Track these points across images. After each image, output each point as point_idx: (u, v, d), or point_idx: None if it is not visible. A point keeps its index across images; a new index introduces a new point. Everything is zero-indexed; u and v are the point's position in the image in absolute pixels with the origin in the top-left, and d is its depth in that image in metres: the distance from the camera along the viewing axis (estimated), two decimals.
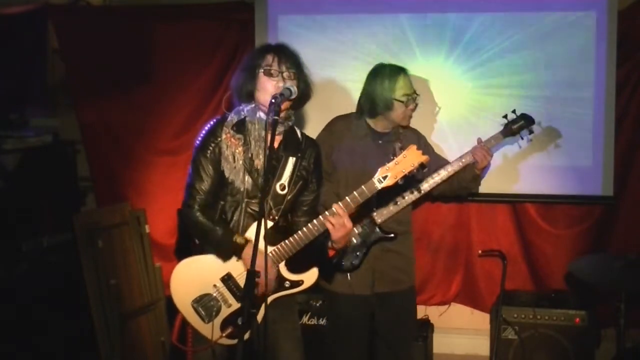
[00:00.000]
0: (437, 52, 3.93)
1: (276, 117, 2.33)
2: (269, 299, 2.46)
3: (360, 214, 3.09)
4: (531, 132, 3.29)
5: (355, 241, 3.09)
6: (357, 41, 3.98)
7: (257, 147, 2.51)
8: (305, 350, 2.71)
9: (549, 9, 3.81)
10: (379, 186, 2.44)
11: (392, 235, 3.10)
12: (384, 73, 3.06)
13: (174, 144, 4.34)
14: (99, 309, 3.62)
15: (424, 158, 2.42)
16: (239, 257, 2.51)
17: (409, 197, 3.11)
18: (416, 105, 3.11)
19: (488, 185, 3.90)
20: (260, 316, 2.46)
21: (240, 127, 2.54)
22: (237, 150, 2.51)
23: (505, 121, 3.24)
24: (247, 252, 2.46)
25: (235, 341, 2.51)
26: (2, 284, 3.54)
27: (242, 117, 2.55)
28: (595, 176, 3.84)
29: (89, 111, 4.40)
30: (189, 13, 4.30)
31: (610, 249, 3.92)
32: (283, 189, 2.55)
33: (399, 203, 3.10)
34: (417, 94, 3.10)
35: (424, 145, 3.27)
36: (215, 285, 2.54)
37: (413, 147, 2.43)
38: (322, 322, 3.77)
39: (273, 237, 2.47)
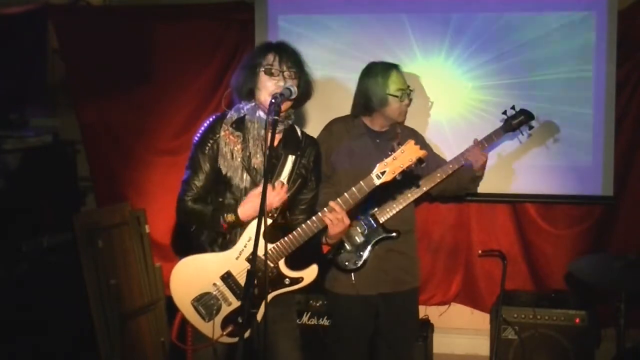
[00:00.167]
0: (438, 52, 3.93)
1: (276, 117, 2.33)
2: (269, 297, 2.46)
3: (363, 213, 3.09)
4: (531, 127, 3.29)
5: (358, 240, 3.09)
6: (357, 41, 3.98)
7: (255, 146, 2.51)
8: (305, 350, 2.71)
9: (549, 9, 3.81)
10: (378, 182, 2.44)
11: (395, 233, 3.10)
12: (377, 70, 3.08)
13: (174, 144, 4.34)
14: (99, 309, 3.62)
15: (422, 153, 2.41)
16: (236, 228, 2.50)
17: (409, 194, 3.11)
18: (411, 100, 3.11)
19: (488, 185, 3.89)
20: (260, 315, 2.46)
21: (240, 124, 2.54)
22: (235, 148, 2.52)
23: (505, 117, 3.25)
24: (244, 211, 2.45)
25: (235, 339, 2.51)
26: (2, 284, 3.54)
27: (242, 115, 2.55)
28: (595, 176, 3.84)
29: (89, 111, 4.40)
30: (189, 13, 4.30)
31: (610, 249, 3.92)
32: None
33: (400, 200, 3.10)
34: (411, 89, 3.10)
35: (423, 144, 3.27)
36: (215, 284, 2.54)
37: (411, 142, 2.43)
38: (322, 322, 3.77)
39: (272, 235, 2.47)
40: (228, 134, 2.52)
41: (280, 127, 2.52)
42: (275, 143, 2.55)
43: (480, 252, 4.00)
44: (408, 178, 2.50)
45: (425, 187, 3.11)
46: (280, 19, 4.08)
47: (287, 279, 2.56)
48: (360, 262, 3.08)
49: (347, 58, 3.97)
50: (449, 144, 3.88)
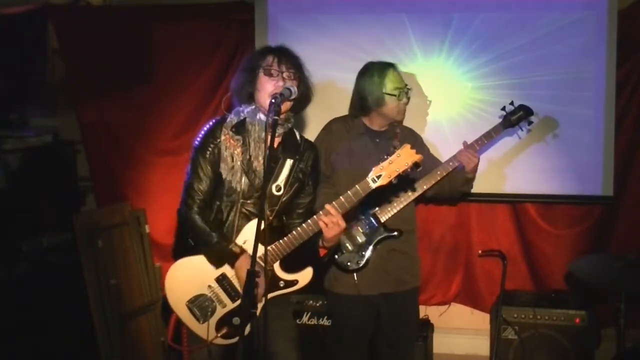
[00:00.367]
0: (438, 52, 3.93)
1: (276, 118, 2.33)
2: (264, 299, 2.46)
3: (364, 212, 3.09)
4: (530, 122, 3.29)
5: (360, 240, 3.09)
6: (358, 41, 3.97)
7: (256, 148, 2.52)
8: (305, 350, 2.71)
9: (549, 9, 3.81)
10: (373, 185, 2.45)
11: (396, 232, 3.10)
12: (373, 69, 3.08)
13: (174, 144, 4.34)
14: (99, 309, 3.62)
15: (417, 157, 2.42)
16: (232, 264, 2.51)
17: (410, 193, 3.10)
18: (409, 99, 3.11)
19: (488, 185, 3.90)
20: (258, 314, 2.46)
21: (240, 128, 2.54)
22: (235, 152, 2.52)
23: (504, 113, 3.24)
24: (241, 262, 2.48)
25: (230, 341, 2.53)
26: (2, 284, 3.54)
27: (242, 118, 2.55)
28: (595, 176, 3.83)
29: (89, 111, 4.40)
30: (189, 13, 4.30)
31: (610, 249, 3.92)
32: (279, 190, 2.56)
33: (401, 199, 3.10)
34: (408, 88, 3.10)
35: (421, 145, 3.27)
36: (210, 286, 2.54)
37: (407, 147, 2.44)
38: (322, 322, 3.77)
39: (268, 237, 2.47)
40: (228, 138, 2.53)
41: (279, 131, 2.52)
42: (275, 146, 2.56)
43: (480, 252, 4.00)
44: (403, 180, 2.50)
45: (425, 185, 3.11)
46: (280, 19, 4.08)
47: (282, 282, 2.56)
48: (363, 262, 3.08)
49: (348, 58, 3.97)
50: (449, 144, 3.88)
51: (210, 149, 2.53)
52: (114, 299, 3.70)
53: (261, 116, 2.52)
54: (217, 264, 2.54)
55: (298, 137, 2.67)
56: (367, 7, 3.98)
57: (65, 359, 3.71)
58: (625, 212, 3.93)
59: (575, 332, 3.63)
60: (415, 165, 2.43)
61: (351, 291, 3.09)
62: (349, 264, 3.09)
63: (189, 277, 2.55)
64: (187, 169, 2.59)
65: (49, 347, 3.60)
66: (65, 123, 4.58)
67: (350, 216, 3.01)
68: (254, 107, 2.55)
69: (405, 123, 3.25)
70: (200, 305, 2.54)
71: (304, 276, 2.58)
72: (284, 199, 2.57)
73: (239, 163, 2.51)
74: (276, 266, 2.55)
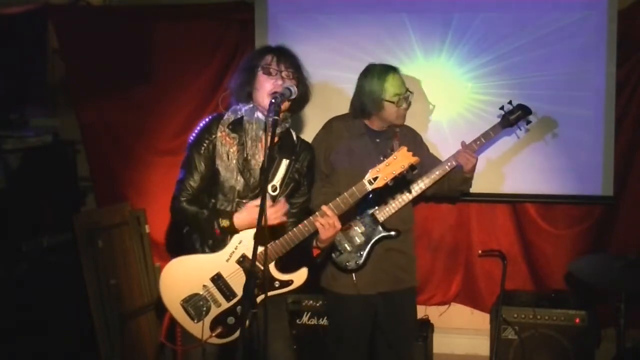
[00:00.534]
0: (438, 52, 3.93)
1: (276, 117, 2.33)
2: (259, 300, 2.46)
3: (362, 213, 3.09)
4: (528, 122, 3.30)
5: (358, 240, 3.09)
6: (358, 41, 3.97)
7: (253, 147, 2.52)
8: (305, 350, 2.72)
9: (549, 9, 3.81)
10: (369, 187, 2.46)
11: (394, 232, 3.10)
12: (374, 73, 3.06)
13: (174, 144, 4.34)
14: (99, 309, 3.62)
15: (413, 159, 2.43)
16: (229, 235, 2.50)
17: (408, 193, 3.10)
18: (409, 104, 3.10)
19: (488, 185, 3.90)
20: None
21: (236, 126, 2.54)
22: (231, 150, 2.52)
23: (502, 112, 3.24)
24: (239, 219, 2.46)
25: (224, 340, 2.53)
26: (2, 284, 3.54)
27: (239, 116, 2.56)
28: (595, 176, 3.83)
29: (89, 111, 4.40)
30: (189, 13, 4.30)
31: (610, 249, 3.92)
32: (274, 190, 2.56)
33: (399, 199, 3.10)
34: (410, 92, 3.09)
35: (420, 144, 3.28)
36: (205, 285, 2.54)
37: (404, 149, 2.45)
38: (322, 322, 3.77)
39: (262, 238, 2.47)
40: (225, 135, 2.53)
41: (277, 130, 2.52)
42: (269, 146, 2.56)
43: (480, 252, 4.00)
44: (399, 182, 2.50)
45: (423, 186, 3.12)
46: (280, 19, 4.08)
47: (277, 282, 2.56)
48: (361, 262, 3.08)
49: (348, 58, 3.97)
50: (448, 144, 3.88)
51: (205, 145, 2.53)
52: (114, 299, 3.70)
53: (259, 115, 2.52)
54: (212, 238, 2.53)
55: (294, 137, 2.68)
56: (367, 7, 3.98)
57: (65, 359, 3.71)
58: (625, 212, 3.93)
59: (575, 332, 3.63)
60: (412, 167, 2.44)
61: (350, 291, 3.10)
62: (347, 264, 3.09)
63: (184, 276, 2.54)
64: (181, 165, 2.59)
65: (49, 347, 3.60)
66: (65, 123, 4.58)
67: (349, 216, 3.01)
68: (251, 105, 2.55)
69: (406, 122, 3.24)
70: (194, 304, 2.53)
71: (299, 276, 2.58)
72: (279, 199, 2.57)
73: (234, 162, 2.52)
74: (271, 266, 2.55)
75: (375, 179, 2.45)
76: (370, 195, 2.99)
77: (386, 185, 2.45)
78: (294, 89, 2.44)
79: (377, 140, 3.12)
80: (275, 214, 2.46)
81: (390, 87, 3.02)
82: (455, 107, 3.94)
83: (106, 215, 3.88)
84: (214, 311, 2.54)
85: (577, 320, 3.63)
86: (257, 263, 2.37)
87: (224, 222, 2.48)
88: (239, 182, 2.53)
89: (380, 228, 3.09)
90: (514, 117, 3.23)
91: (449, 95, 3.93)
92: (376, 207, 3.10)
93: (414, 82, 3.73)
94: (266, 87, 2.49)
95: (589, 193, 3.87)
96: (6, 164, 4.00)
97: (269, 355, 2.57)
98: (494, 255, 3.90)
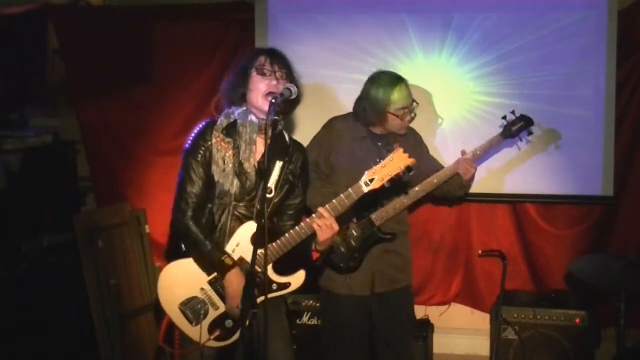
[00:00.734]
0: (439, 52, 3.93)
1: (276, 117, 2.33)
2: (258, 301, 2.46)
3: (359, 216, 3.09)
4: (530, 133, 3.29)
5: (354, 243, 3.09)
6: (358, 41, 3.98)
7: (247, 150, 2.52)
8: (305, 350, 2.72)
9: (549, 9, 3.81)
10: (366, 189, 2.46)
11: (391, 236, 3.11)
12: (381, 82, 3.03)
13: (174, 144, 4.33)
14: (99, 309, 3.62)
15: (409, 161, 2.43)
16: (222, 275, 2.50)
17: (405, 199, 3.10)
18: (414, 116, 3.10)
19: (488, 185, 3.90)
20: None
21: (230, 130, 2.55)
22: (227, 154, 2.52)
23: (504, 122, 3.24)
24: (231, 276, 2.47)
25: (222, 344, 2.53)
26: (2, 284, 3.54)
27: (232, 120, 2.56)
28: (595, 176, 3.83)
29: (89, 111, 4.40)
30: (189, 13, 4.30)
31: (610, 249, 3.92)
32: (270, 192, 2.56)
33: (396, 204, 3.10)
34: (415, 104, 3.07)
35: (420, 146, 3.27)
36: (202, 288, 2.54)
37: (399, 150, 2.45)
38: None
39: (260, 240, 2.47)
40: (219, 141, 2.53)
41: (269, 133, 2.52)
42: (264, 148, 2.56)
43: (480, 252, 4.00)
44: (402, 185, 2.50)
45: (421, 192, 3.11)
46: (280, 19, 4.08)
47: (275, 284, 2.57)
48: (356, 264, 3.10)
49: (348, 58, 3.97)
50: (447, 144, 3.89)
51: (201, 151, 2.53)
52: (114, 299, 3.70)
53: (252, 118, 2.53)
54: (208, 271, 2.54)
55: (287, 138, 2.68)
56: (367, 7, 3.98)
57: (65, 359, 3.71)
58: (625, 212, 3.93)
59: (575, 332, 3.63)
60: (408, 169, 2.43)
61: (344, 291, 3.11)
62: (341, 265, 3.10)
63: (182, 279, 2.55)
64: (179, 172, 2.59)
65: (49, 347, 3.60)
66: (65, 123, 4.58)
67: (346, 219, 3.01)
68: (244, 108, 2.55)
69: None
70: (192, 307, 2.54)
71: (297, 279, 2.58)
72: (275, 200, 2.58)
73: (230, 166, 2.52)
74: (269, 269, 2.55)
75: (371, 180, 2.44)
76: (368, 200, 3.01)
77: (382, 186, 2.45)
78: (294, 89, 2.44)
79: (379, 143, 3.11)
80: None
81: (396, 100, 2.99)
82: (456, 107, 3.94)
83: (106, 215, 3.88)
84: (212, 314, 2.54)
85: (577, 320, 3.63)
86: (256, 266, 2.37)
87: (227, 260, 2.48)
88: (235, 186, 2.53)
89: (376, 232, 3.10)
90: (516, 127, 3.21)
91: (449, 95, 3.93)
92: (372, 212, 3.10)
93: (422, 92, 3.70)
94: (260, 87, 2.50)
95: (589, 193, 3.87)
96: (6, 164, 4.00)
97: (269, 355, 2.57)
98: (494, 255, 3.90)
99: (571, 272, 3.24)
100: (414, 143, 3.20)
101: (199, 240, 2.50)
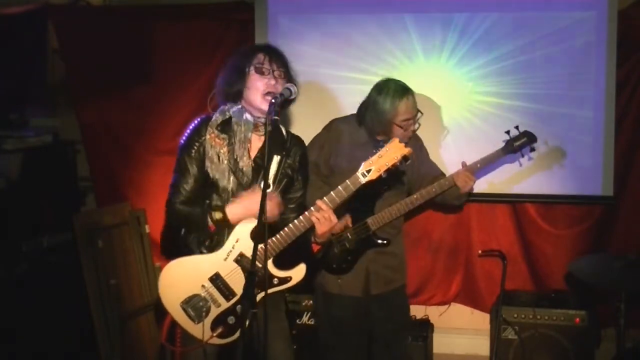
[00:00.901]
0: (439, 52, 3.92)
1: (277, 117, 2.33)
2: (258, 297, 2.46)
3: (355, 221, 3.09)
4: (533, 149, 3.28)
5: (348, 246, 3.10)
6: (358, 41, 3.98)
7: (242, 148, 2.52)
8: (305, 350, 2.71)
9: (549, 9, 3.81)
10: (363, 180, 2.45)
11: (386, 241, 3.12)
12: (388, 92, 3.00)
13: (174, 144, 4.27)
14: (99, 309, 3.62)
15: (406, 150, 2.42)
16: (227, 228, 2.49)
17: (403, 208, 3.10)
18: (418, 127, 3.10)
19: (488, 185, 3.90)
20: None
21: (225, 127, 2.54)
22: (221, 151, 2.52)
23: (508, 137, 3.22)
24: (231, 213, 2.46)
25: (225, 341, 2.53)
26: (2, 284, 3.54)
27: (227, 117, 2.55)
28: (595, 176, 3.83)
29: (89, 111, 4.40)
30: (189, 13, 4.29)
31: (610, 249, 3.92)
32: (268, 187, 2.55)
33: (393, 211, 3.10)
34: (420, 114, 3.07)
35: (420, 149, 3.27)
36: (203, 286, 2.53)
37: (395, 140, 2.43)
38: None
39: (260, 235, 2.47)
40: (214, 137, 2.52)
41: (264, 130, 2.53)
42: (260, 143, 2.57)
43: (480, 252, 4.00)
44: (392, 174, 2.48)
45: (418, 200, 3.11)
46: (281, 19, 4.08)
47: (276, 279, 2.56)
48: (347, 266, 3.11)
49: (348, 58, 3.98)
50: (447, 144, 3.89)
51: (195, 147, 2.53)
52: (114, 299, 3.70)
53: (247, 117, 2.53)
54: (208, 234, 2.52)
55: (284, 132, 2.67)
56: (367, 7, 3.98)
57: (65, 359, 3.71)
58: (625, 212, 3.93)
59: (575, 332, 3.63)
60: (405, 158, 2.42)
61: (336, 290, 3.12)
62: (334, 266, 3.11)
63: (183, 277, 2.54)
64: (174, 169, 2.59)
65: (49, 347, 3.60)
66: (65, 123, 4.57)
67: (339, 216, 3.01)
68: (240, 106, 2.55)
69: None
70: (194, 305, 2.53)
71: (298, 272, 2.58)
72: (273, 193, 2.57)
73: (225, 162, 2.52)
74: (269, 263, 2.55)
75: (368, 171, 2.43)
76: (365, 204, 3.03)
77: (380, 177, 2.43)
78: (294, 89, 2.44)
79: (380, 148, 3.10)
80: (271, 211, 2.44)
81: (402, 111, 2.99)
82: (456, 107, 3.94)
83: (106, 215, 3.87)
84: (214, 311, 2.54)
85: (577, 320, 3.63)
86: (256, 261, 2.37)
87: (217, 215, 2.48)
88: (231, 182, 2.53)
89: (371, 237, 3.10)
90: (519, 143, 3.20)
91: (449, 95, 3.93)
92: (369, 218, 3.10)
93: (422, 92, 3.69)
94: (258, 86, 2.49)
95: (589, 193, 3.87)
96: (6, 164, 4.00)
97: (269, 355, 2.57)
98: (494, 255, 3.90)
99: (571, 272, 3.24)
100: (414, 147, 3.20)
101: (189, 212, 2.51)
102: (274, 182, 2.56)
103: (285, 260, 2.58)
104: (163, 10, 4.35)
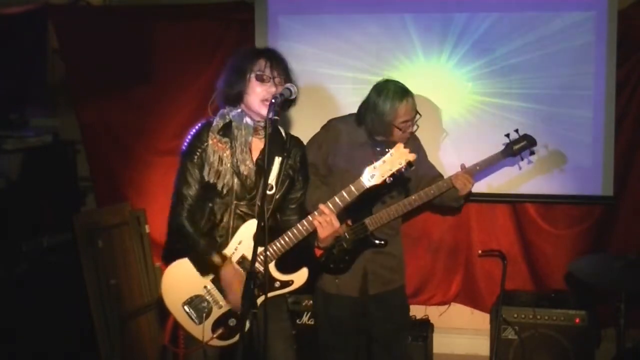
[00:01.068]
0: (439, 52, 3.92)
1: (276, 117, 2.34)
2: (259, 301, 2.46)
3: (353, 222, 3.09)
4: (532, 153, 3.27)
5: (346, 246, 3.10)
6: (358, 41, 3.98)
7: (242, 152, 2.52)
8: (305, 350, 2.71)
9: (549, 9, 3.81)
10: (368, 185, 2.44)
11: (384, 242, 3.11)
12: (388, 95, 2.99)
13: (174, 144, 4.32)
14: (99, 309, 3.62)
15: (411, 156, 2.41)
16: (216, 275, 2.51)
17: (401, 209, 3.10)
18: (416, 128, 3.09)
19: (488, 185, 3.90)
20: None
21: (226, 130, 2.55)
22: (224, 154, 2.52)
23: (507, 140, 3.21)
24: (224, 273, 2.48)
25: (226, 342, 2.53)
26: (2, 284, 3.54)
27: (227, 120, 2.56)
28: (595, 176, 3.83)
29: (89, 111, 4.40)
30: (189, 13, 4.30)
31: (610, 249, 3.92)
32: (271, 189, 2.56)
33: (392, 212, 3.10)
34: (419, 116, 3.07)
35: (418, 151, 3.26)
36: (205, 287, 2.54)
37: (400, 146, 2.43)
38: None
39: (263, 238, 2.47)
40: (216, 142, 2.53)
41: (264, 133, 2.52)
42: (261, 146, 2.57)
43: (480, 252, 4.00)
44: (397, 180, 2.48)
45: (417, 202, 3.11)
46: (281, 19, 4.08)
47: (278, 282, 2.57)
48: (344, 266, 3.11)
49: (348, 58, 3.97)
50: (446, 144, 3.89)
51: (198, 153, 2.54)
52: (114, 299, 3.70)
53: (248, 121, 2.54)
54: (203, 271, 2.54)
55: (284, 133, 2.67)
56: (367, 7, 3.98)
57: (65, 359, 3.71)
58: (625, 212, 3.93)
59: (575, 332, 3.63)
60: (409, 164, 2.42)
61: (333, 291, 3.12)
62: (332, 266, 3.11)
63: (185, 278, 2.54)
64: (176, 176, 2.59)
65: (49, 347, 3.60)
66: (65, 123, 4.58)
67: (341, 220, 3.01)
68: (240, 110, 2.56)
69: None
70: (196, 306, 2.54)
71: (300, 277, 2.58)
72: (277, 196, 2.58)
73: (228, 165, 2.52)
74: (271, 267, 2.55)
75: (372, 176, 2.43)
76: (363, 204, 3.01)
77: (384, 182, 2.43)
78: (294, 89, 2.44)
79: (378, 149, 3.09)
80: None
81: (402, 113, 2.98)
82: (455, 107, 3.94)
83: (106, 215, 3.87)
84: (216, 312, 2.54)
85: (577, 320, 3.63)
86: (257, 264, 2.37)
87: (217, 259, 2.49)
88: (235, 185, 2.53)
89: (369, 237, 3.10)
90: (518, 147, 3.18)
91: (448, 95, 3.93)
92: (367, 219, 3.10)
93: (421, 92, 3.69)
94: (258, 92, 2.50)
95: (589, 193, 3.87)
96: (6, 164, 4.00)
97: (270, 355, 2.57)
98: (494, 255, 3.90)
99: (571, 272, 3.24)
100: (412, 148, 3.19)
101: (193, 239, 2.51)
102: (276, 184, 2.57)
103: (287, 263, 2.58)
104: (163, 10, 4.35)
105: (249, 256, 2.41)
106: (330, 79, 3.98)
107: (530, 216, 4.04)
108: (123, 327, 3.74)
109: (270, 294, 2.54)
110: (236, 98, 2.54)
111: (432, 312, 4.23)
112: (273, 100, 2.35)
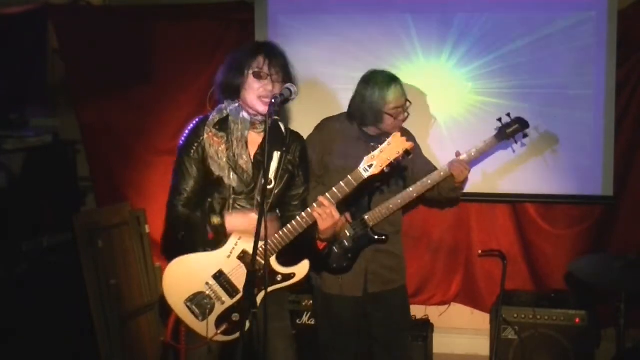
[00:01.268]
0: (438, 52, 3.92)
1: (276, 118, 2.34)
2: (261, 295, 2.46)
3: (352, 218, 3.09)
4: (525, 135, 3.27)
5: (347, 244, 3.09)
6: (358, 40, 3.97)
7: (239, 147, 2.53)
8: (305, 350, 2.71)
9: (550, 10, 3.81)
10: (365, 175, 2.44)
11: (384, 237, 3.11)
12: (375, 82, 3.02)
13: (174, 144, 4.25)
14: (99, 309, 3.62)
15: (408, 145, 2.41)
16: (222, 236, 2.51)
17: (399, 200, 3.10)
18: (407, 115, 3.09)
19: (488, 185, 3.90)
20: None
21: (223, 125, 2.56)
22: (220, 148, 2.53)
23: (500, 124, 3.22)
24: (231, 220, 2.49)
25: (230, 337, 2.53)
26: (2, 284, 3.54)
27: (224, 115, 2.57)
28: (595, 176, 3.83)
29: (89, 111, 4.41)
30: (189, 13, 4.30)
31: (610, 249, 3.92)
32: (270, 183, 2.56)
33: (390, 205, 3.09)
34: (409, 103, 3.07)
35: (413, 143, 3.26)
36: (207, 283, 2.54)
37: (397, 135, 2.42)
38: None
39: (267, 232, 2.47)
40: (212, 136, 2.54)
41: (262, 128, 2.55)
42: (260, 140, 2.58)
43: (480, 252, 4.00)
44: (395, 169, 2.48)
45: (414, 193, 3.10)
46: (281, 19, 4.08)
47: (279, 276, 2.56)
48: (348, 264, 3.10)
49: (348, 58, 3.97)
50: (446, 144, 3.88)
51: (194, 147, 2.55)
52: (114, 299, 3.70)
53: (244, 115, 2.54)
54: (206, 245, 2.53)
55: (283, 128, 2.67)
56: (367, 7, 3.98)
57: (65, 359, 3.71)
58: (625, 212, 3.93)
59: (575, 332, 3.63)
60: (407, 153, 2.41)
61: (336, 291, 3.12)
62: (334, 265, 3.10)
63: (186, 275, 2.54)
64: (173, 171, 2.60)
65: (49, 347, 3.60)
66: (65, 123, 4.58)
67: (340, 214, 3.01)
68: (237, 105, 2.56)
69: (406, 123, 3.23)
70: (198, 303, 2.54)
71: (301, 269, 2.58)
72: (275, 191, 2.57)
73: (224, 159, 2.52)
74: (273, 260, 2.55)
75: (370, 166, 2.42)
76: (362, 200, 3.02)
77: (382, 172, 2.42)
78: (294, 89, 2.44)
79: (372, 144, 3.08)
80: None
81: (391, 100, 2.99)
82: (455, 107, 3.94)
83: (106, 215, 3.87)
84: (219, 308, 2.54)
85: (577, 320, 3.63)
86: (258, 258, 2.37)
87: (215, 219, 2.49)
88: (232, 179, 2.53)
89: (369, 233, 3.10)
90: (511, 130, 3.18)
91: (448, 95, 3.93)
92: (366, 214, 3.10)
93: (415, 92, 3.69)
94: (255, 89, 2.50)
95: (589, 193, 3.87)
96: (6, 164, 4.00)
97: (270, 354, 2.57)
98: (494, 255, 3.90)
99: (571, 272, 3.24)
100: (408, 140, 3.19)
101: (189, 215, 2.52)
102: (275, 179, 2.57)
103: (288, 256, 2.58)
104: (163, 10, 4.35)
105: (250, 251, 2.41)
106: (330, 79, 3.98)
107: (530, 216, 4.04)
108: (123, 327, 3.74)
109: (272, 288, 2.54)
110: (235, 91, 2.55)
111: (432, 312, 4.23)
112: (273, 101, 2.35)
